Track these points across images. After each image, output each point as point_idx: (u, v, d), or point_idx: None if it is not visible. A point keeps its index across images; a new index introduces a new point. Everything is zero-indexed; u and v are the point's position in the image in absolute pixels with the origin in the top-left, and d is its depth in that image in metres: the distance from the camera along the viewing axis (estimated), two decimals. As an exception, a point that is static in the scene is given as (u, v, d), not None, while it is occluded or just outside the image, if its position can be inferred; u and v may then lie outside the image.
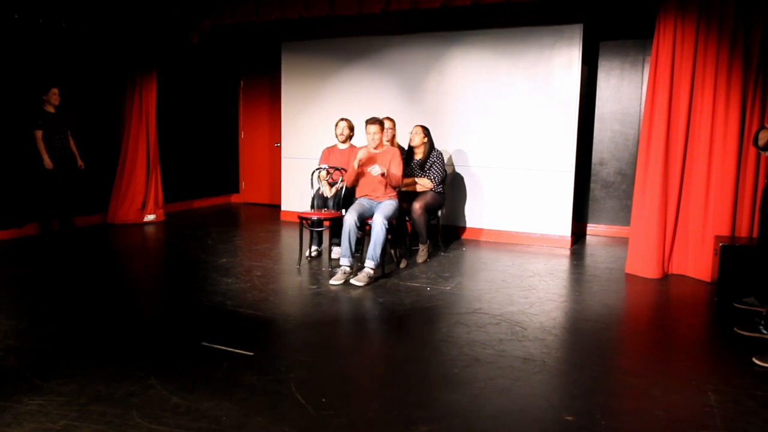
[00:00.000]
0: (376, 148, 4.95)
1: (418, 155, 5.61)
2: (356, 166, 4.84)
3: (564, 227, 6.17)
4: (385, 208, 4.75)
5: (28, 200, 6.14)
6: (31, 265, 5.07)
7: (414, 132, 5.56)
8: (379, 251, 4.60)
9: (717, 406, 2.63)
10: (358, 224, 4.67)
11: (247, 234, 6.85)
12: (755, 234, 4.54)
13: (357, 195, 5.05)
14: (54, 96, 6.02)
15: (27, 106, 6.00)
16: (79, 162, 6.35)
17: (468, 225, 6.66)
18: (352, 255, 4.67)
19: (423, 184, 5.49)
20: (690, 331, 3.71)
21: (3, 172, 5.94)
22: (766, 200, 3.86)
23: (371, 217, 4.82)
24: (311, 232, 5.41)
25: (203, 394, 2.67)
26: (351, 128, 5.69)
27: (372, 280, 4.60)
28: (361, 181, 4.98)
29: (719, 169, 4.68)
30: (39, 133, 5.91)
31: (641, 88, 6.52)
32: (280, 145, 7.88)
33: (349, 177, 5.01)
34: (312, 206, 5.48)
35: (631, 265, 5.05)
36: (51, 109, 6.02)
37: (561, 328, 3.66)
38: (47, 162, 5.94)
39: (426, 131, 5.57)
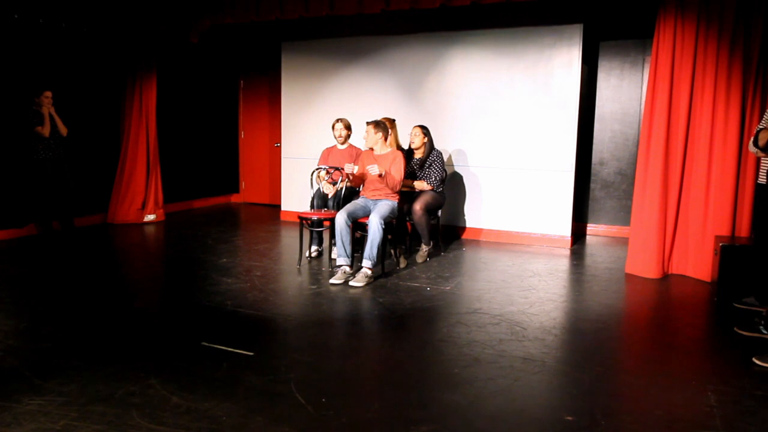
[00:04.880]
0: (372, 147, 5.04)
1: (418, 154, 5.61)
2: (355, 171, 4.94)
3: (564, 227, 6.17)
4: (381, 208, 4.75)
5: (29, 200, 6.14)
6: (31, 265, 5.07)
7: (413, 133, 5.56)
8: (375, 251, 4.60)
9: (717, 406, 2.63)
10: (349, 223, 4.67)
11: (247, 234, 6.85)
12: (755, 234, 4.54)
13: (361, 195, 5.10)
14: (46, 100, 6.00)
15: (27, 106, 6.00)
16: (61, 127, 6.13)
17: (468, 225, 6.66)
18: (350, 255, 4.67)
19: (419, 187, 5.49)
20: (690, 331, 3.71)
21: (3, 172, 5.94)
22: (759, 200, 3.86)
23: (366, 216, 4.82)
24: (311, 232, 5.41)
25: (203, 394, 2.67)
26: (348, 127, 5.69)
27: (371, 280, 4.60)
28: (366, 182, 5.02)
29: (719, 169, 4.68)
30: (40, 128, 5.95)
31: (641, 88, 6.52)
32: (280, 145, 7.88)
33: (353, 179, 5.08)
34: (312, 206, 5.48)
35: (631, 265, 5.05)
36: (43, 111, 6.01)
37: (561, 328, 3.66)
38: (46, 129, 5.95)
39: (425, 131, 5.58)
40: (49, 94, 6.02)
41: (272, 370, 2.95)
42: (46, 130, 5.97)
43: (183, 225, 7.20)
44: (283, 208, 7.75)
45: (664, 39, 4.78)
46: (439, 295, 4.32)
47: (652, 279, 4.87)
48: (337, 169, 5.34)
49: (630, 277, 4.94)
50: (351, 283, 4.52)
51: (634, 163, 6.35)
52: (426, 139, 5.56)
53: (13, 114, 5.97)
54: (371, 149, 5.08)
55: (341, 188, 5.32)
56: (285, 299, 4.26)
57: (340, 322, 3.83)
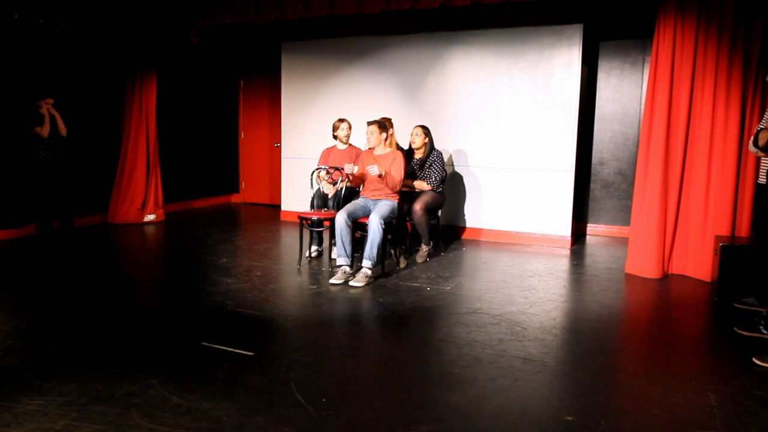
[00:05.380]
0: (372, 147, 5.04)
1: (419, 154, 5.61)
2: (356, 171, 4.94)
3: (564, 227, 6.17)
4: (381, 208, 4.75)
5: (29, 200, 6.14)
6: (31, 265, 5.07)
7: (415, 133, 5.56)
8: (375, 251, 4.60)
9: (717, 406, 2.63)
10: (349, 223, 4.67)
11: (247, 234, 6.85)
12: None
13: (360, 195, 5.10)
14: (46, 105, 6.00)
15: (27, 106, 6.00)
16: (61, 127, 6.14)
17: (468, 225, 6.66)
18: (350, 255, 4.67)
19: (419, 186, 5.49)
20: (690, 331, 3.71)
21: (3, 172, 5.94)
22: (759, 200, 3.86)
23: (366, 216, 4.82)
24: (311, 232, 5.41)
25: (203, 394, 2.67)
26: (350, 127, 5.72)
27: (371, 280, 4.60)
28: (366, 182, 5.02)
29: (719, 169, 4.68)
30: (38, 129, 5.95)
31: (641, 88, 6.52)
32: (280, 145, 7.88)
33: (353, 179, 5.08)
34: (312, 206, 5.48)
35: (631, 265, 5.05)
36: (43, 111, 6.01)
37: (561, 328, 3.66)
38: (46, 128, 5.95)
39: (426, 131, 5.58)
40: (50, 101, 6.03)
41: (272, 370, 2.95)
42: (45, 131, 5.97)
43: (183, 225, 7.20)
44: (283, 208, 7.75)
45: (664, 39, 4.78)
46: (439, 295, 4.32)
47: (652, 279, 4.87)
48: (337, 169, 5.34)
49: (630, 277, 4.94)
50: (351, 283, 4.52)
51: (634, 163, 6.35)
52: (427, 139, 5.56)
53: (13, 114, 5.97)
54: (371, 149, 5.07)
55: (341, 188, 5.32)
56: (285, 299, 4.26)
57: (340, 322, 3.83)
